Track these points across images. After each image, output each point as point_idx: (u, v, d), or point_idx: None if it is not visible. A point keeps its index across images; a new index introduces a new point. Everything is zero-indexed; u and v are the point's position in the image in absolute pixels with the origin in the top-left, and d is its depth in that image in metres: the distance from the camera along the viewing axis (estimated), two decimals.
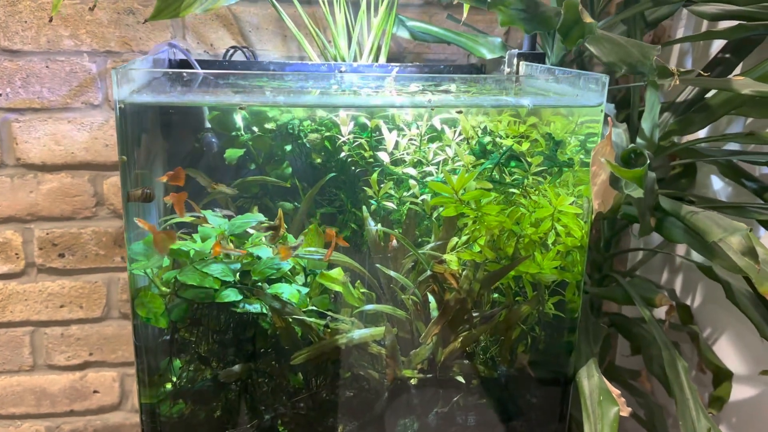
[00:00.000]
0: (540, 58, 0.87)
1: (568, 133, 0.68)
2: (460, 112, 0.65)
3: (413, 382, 0.70)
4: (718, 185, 1.02)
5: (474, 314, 0.70)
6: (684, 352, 1.07)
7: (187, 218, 0.65)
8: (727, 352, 1.01)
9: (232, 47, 1.03)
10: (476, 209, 0.66)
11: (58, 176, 1.06)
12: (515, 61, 0.87)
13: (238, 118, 0.68)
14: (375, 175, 0.70)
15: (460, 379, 0.71)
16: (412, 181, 0.71)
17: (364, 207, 0.72)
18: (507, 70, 0.90)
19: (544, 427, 0.73)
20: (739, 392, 0.98)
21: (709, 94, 0.89)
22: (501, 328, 0.70)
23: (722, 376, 0.99)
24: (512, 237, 0.68)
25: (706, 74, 0.65)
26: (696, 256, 0.97)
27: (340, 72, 0.96)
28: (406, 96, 0.71)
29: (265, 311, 0.66)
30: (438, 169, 0.70)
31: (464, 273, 0.68)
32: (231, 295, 0.65)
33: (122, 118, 0.59)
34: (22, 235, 1.07)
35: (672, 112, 0.92)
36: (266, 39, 1.06)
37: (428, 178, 0.70)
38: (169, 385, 0.66)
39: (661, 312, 1.05)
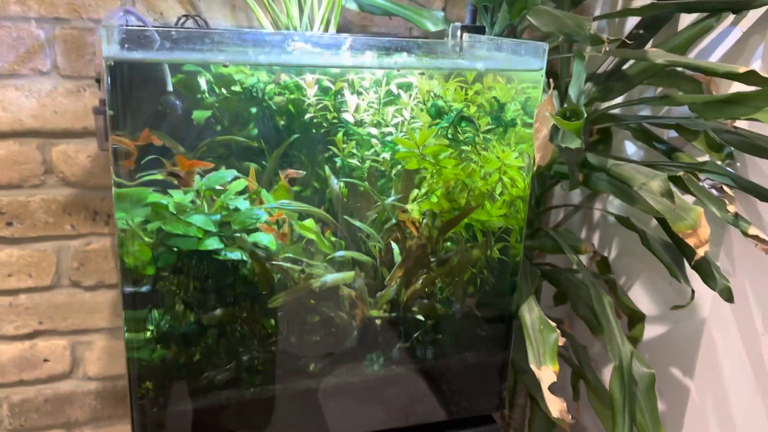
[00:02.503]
0: (481, 31, 0.96)
1: (511, 97, 0.76)
2: (422, 74, 0.73)
3: (378, 321, 0.78)
4: (632, 149, 1.15)
5: (431, 259, 0.78)
6: None
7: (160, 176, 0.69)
8: (640, 297, 1.14)
9: (184, 15, 1.05)
10: (435, 163, 0.74)
11: (5, 143, 1.06)
12: (459, 33, 0.95)
13: (203, 81, 0.73)
14: (340, 135, 0.77)
15: (420, 317, 0.79)
16: (374, 140, 0.78)
17: (326, 166, 0.78)
18: (451, 41, 0.98)
19: (492, 356, 0.83)
20: (651, 331, 1.12)
21: (626, 66, 1.01)
22: (455, 271, 0.79)
23: (636, 319, 1.12)
24: (464, 189, 0.77)
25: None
26: (616, 209, 1.10)
27: (294, 41, 1.01)
28: (375, 58, 0.77)
29: (245, 258, 0.72)
30: (396, 129, 0.78)
31: (424, 222, 0.76)
32: (213, 244, 0.70)
33: (112, 75, 0.63)
34: None
35: (594, 82, 1.03)
36: (215, 8, 1.09)
37: (388, 138, 0.78)
38: (150, 332, 0.71)
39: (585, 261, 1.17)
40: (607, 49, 0.71)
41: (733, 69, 0.72)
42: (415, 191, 0.76)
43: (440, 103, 0.76)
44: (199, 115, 0.75)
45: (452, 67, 0.73)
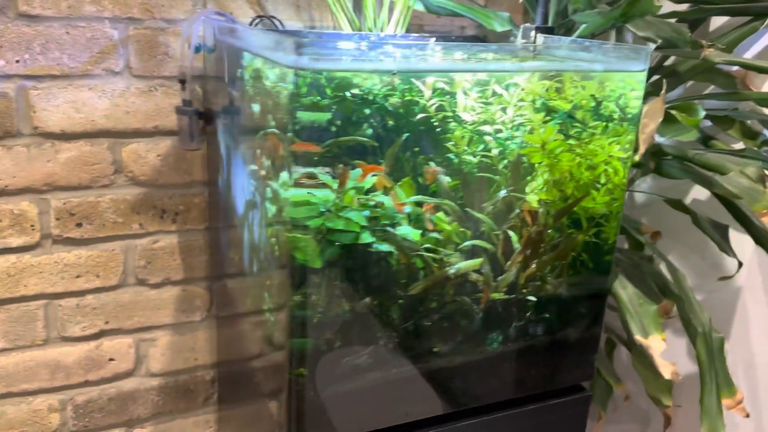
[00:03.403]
0: (551, 31, 1.03)
1: (612, 96, 0.84)
2: (552, 76, 0.80)
3: (499, 303, 0.85)
4: None
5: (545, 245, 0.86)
6: None
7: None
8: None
9: (258, 17, 1.08)
10: (554, 157, 0.82)
11: (76, 144, 1.05)
12: (532, 33, 1.02)
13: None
14: (458, 133, 0.83)
15: (532, 297, 0.87)
16: (488, 138, 0.84)
17: (432, 162, 0.83)
18: (521, 42, 1.05)
19: (587, 330, 0.91)
20: None
21: (668, 62, 1.11)
22: (562, 254, 0.87)
23: None
24: (573, 179, 0.84)
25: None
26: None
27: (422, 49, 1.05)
28: (513, 62, 0.82)
29: (392, 250, 0.77)
30: (505, 127, 0.84)
31: (540, 210, 0.83)
32: (367, 238, 0.75)
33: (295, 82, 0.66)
34: (37, 206, 1.05)
35: None
36: (281, 8, 1.12)
37: (499, 135, 0.84)
38: (315, 318, 0.75)
39: None
40: (707, 53, 0.80)
41: None
42: (533, 183, 0.83)
43: (552, 102, 0.83)
44: (320, 117, 0.79)
45: (575, 69, 0.80)
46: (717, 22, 1.16)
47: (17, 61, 0.98)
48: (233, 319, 1.08)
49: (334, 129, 0.72)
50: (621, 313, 0.90)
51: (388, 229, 0.76)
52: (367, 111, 0.73)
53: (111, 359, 1.18)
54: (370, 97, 0.73)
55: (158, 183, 1.12)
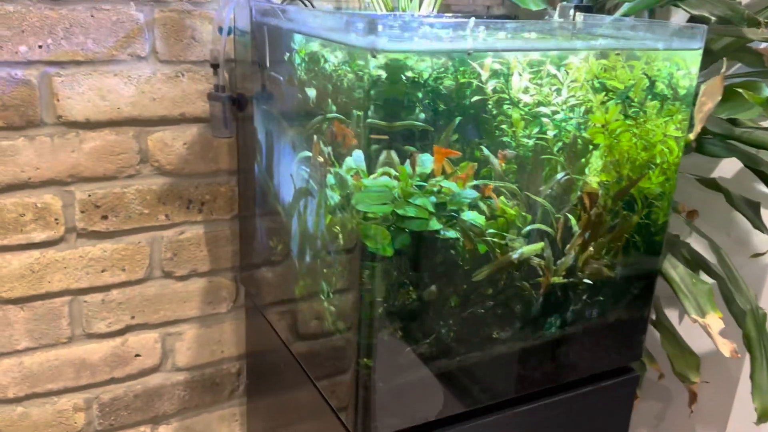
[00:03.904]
0: (589, 10, 1.02)
1: (663, 74, 0.84)
2: (618, 54, 0.78)
3: (558, 287, 0.84)
4: None
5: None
6: None
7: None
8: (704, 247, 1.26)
9: None
10: (613, 137, 0.81)
11: (101, 134, 1.01)
12: (572, 12, 1.00)
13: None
14: (516, 115, 0.81)
15: (588, 281, 0.86)
16: (545, 120, 0.82)
17: (482, 146, 0.81)
18: (558, 20, 1.03)
19: (638, 311, 0.92)
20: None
21: None
22: (618, 236, 0.86)
23: None
24: (630, 160, 0.84)
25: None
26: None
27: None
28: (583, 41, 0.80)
29: (458, 236, 0.75)
30: (561, 108, 0.83)
31: (600, 192, 0.83)
32: (435, 224, 0.73)
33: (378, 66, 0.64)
34: (61, 199, 1.01)
35: None
36: None
37: (557, 116, 0.83)
38: (381, 309, 0.73)
39: None
40: (765, 30, 0.79)
41: None
42: (593, 165, 0.82)
43: (609, 82, 0.82)
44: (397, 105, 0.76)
45: (640, 47, 0.79)
46: None
47: (40, 47, 0.93)
48: (269, 308, 1.05)
49: (405, 113, 0.69)
50: (674, 292, 0.90)
51: (455, 215, 0.74)
52: (430, 96, 0.71)
53: (137, 355, 1.14)
54: (439, 79, 0.71)
55: (184, 172, 1.08)
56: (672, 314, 1.35)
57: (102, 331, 1.10)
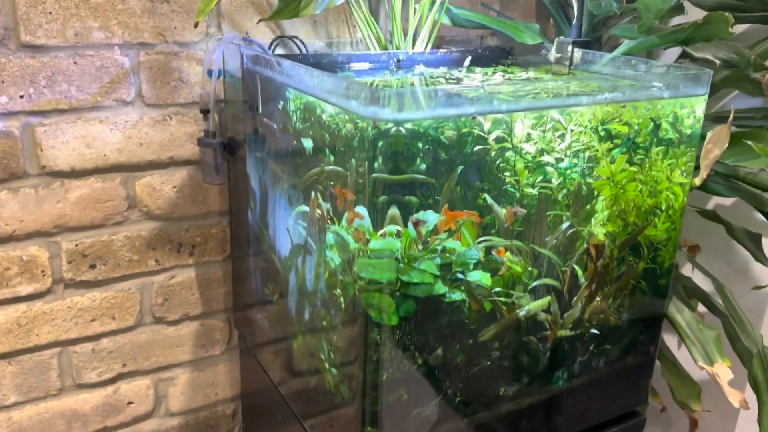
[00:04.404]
0: (587, 45, 1.00)
1: (667, 117, 0.82)
2: (624, 107, 0.76)
3: (565, 340, 0.82)
4: None
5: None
6: None
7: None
8: (701, 277, 1.25)
9: (279, 37, 1.01)
10: (621, 187, 0.79)
11: (87, 182, 0.97)
12: (569, 48, 0.98)
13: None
14: (520, 165, 0.79)
15: (596, 330, 0.85)
16: (549, 168, 0.80)
17: (486, 195, 0.79)
18: (555, 55, 1.01)
19: (643, 355, 0.90)
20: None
21: None
22: (625, 284, 0.84)
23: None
24: (636, 207, 0.82)
25: None
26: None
27: (398, 60, 1.00)
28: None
29: (464, 298, 0.73)
30: (564, 155, 0.81)
31: (606, 242, 0.81)
32: (441, 288, 0.71)
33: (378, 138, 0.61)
34: (48, 250, 0.97)
35: None
36: (298, 25, 1.05)
37: (561, 164, 0.80)
38: (385, 376, 0.71)
39: None
40: None
41: None
42: (598, 215, 0.80)
43: (614, 129, 0.80)
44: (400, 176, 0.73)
45: (646, 98, 0.77)
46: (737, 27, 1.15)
47: (21, 97, 0.90)
48: (265, 357, 1.02)
49: (406, 165, 0.67)
50: (681, 338, 0.88)
51: (460, 276, 0.72)
52: (432, 146, 0.68)
53: (129, 402, 1.11)
54: (440, 129, 0.69)
55: (174, 216, 1.05)
56: (670, 340, 1.34)
57: (93, 380, 1.07)
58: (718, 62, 0.79)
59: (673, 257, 0.87)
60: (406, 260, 0.69)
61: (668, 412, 1.36)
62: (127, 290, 1.05)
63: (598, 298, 0.82)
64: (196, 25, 0.77)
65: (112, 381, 1.09)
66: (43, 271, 0.98)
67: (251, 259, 1.02)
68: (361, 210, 0.68)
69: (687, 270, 1.21)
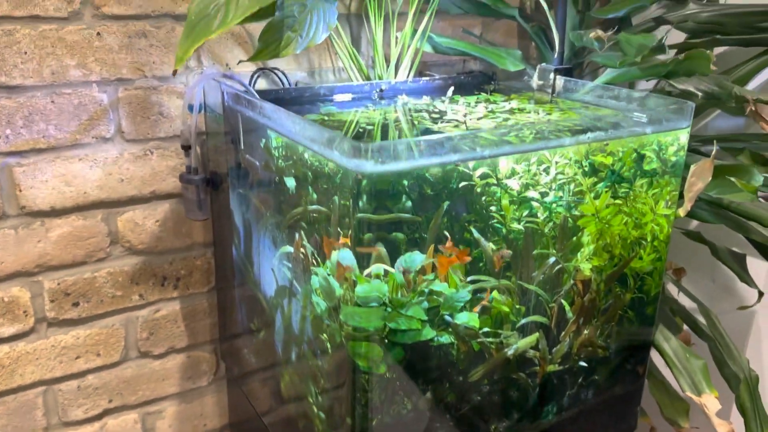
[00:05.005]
0: (569, 72, 1.00)
1: (656, 151, 0.82)
2: (606, 145, 0.76)
3: (554, 375, 0.82)
4: None
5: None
6: None
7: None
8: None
9: (260, 69, 1.00)
10: (606, 222, 0.79)
11: (68, 220, 0.96)
12: (551, 76, 0.98)
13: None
14: (506, 201, 0.78)
15: (584, 363, 0.85)
16: (535, 203, 0.80)
17: (472, 227, 0.79)
18: (538, 82, 1.01)
19: (632, 383, 0.90)
20: None
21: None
22: (611, 316, 0.84)
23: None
24: (621, 240, 0.82)
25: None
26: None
27: (381, 90, 1.00)
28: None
29: (452, 341, 0.73)
30: (550, 189, 0.80)
31: (593, 277, 0.81)
32: (429, 333, 0.70)
33: (360, 187, 0.60)
34: (29, 290, 0.96)
35: None
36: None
37: (546, 199, 0.80)
38: (374, 422, 0.70)
39: None
40: (752, 108, 0.78)
41: None
42: (584, 250, 0.80)
43: (597, 161, 0.80)
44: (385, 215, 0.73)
45: (629, 135, 0.77)
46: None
47: None
48: (252, 392, 1.02)
49: (391, 204, 0.66)
50: (668, 366, 0.89)
51: (448, 318, 0.72)
52: (417, 184, 0.68)
53: None
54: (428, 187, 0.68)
55: (157, 249, 1.04)
56: (657, 356, 1.35)
57: (79, 417, 1.06)
58: (700, 94, 0.79)
59: (659, 285, 0.87)
60: (392, 306, 0.68)
61: (657, 430, 1.37)
62: (112, 326, 1.04)
63: (585, 332, 0.82)
64: (174, 73, 0.76)
65: (98, 417, 1.07)
66: (25, 312, 0.96)
67: (236, 291, 1.01)
68: (346, 255, 0.67)
69: (673, 289, 1.22)
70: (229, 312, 1.06)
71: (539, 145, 0.71)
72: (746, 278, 1.05)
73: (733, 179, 0.75)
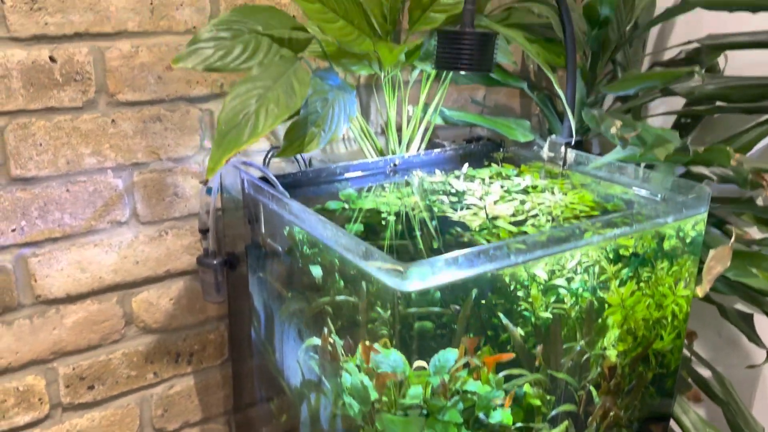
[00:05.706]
0: (578, 145, 1.01)
1: (674, 235, 0.83)
2: (631, 238, 0.77)
3: None
4: None
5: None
6: None
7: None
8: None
9: (274, 147, 1.00)
10: (629, 308, 0.80)
11: (83, 305, 0.95)
12: (562, 149, 0.99)
13: None
14: (535, 291, 0.79)
15: None
16: (562, 290, 0.81)
17: (500, 313, 0.79)
18: (548, 154, 1.02)
19: None
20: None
21: None
22: (635, 396, 0.85)
23: None
24: (644, 322, 0.83)
25: None
26: None
27: (394, 165, 1.00)
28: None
29: None
30: (581, 273, 0.81)
31: (617, 361, 0.82)
32: None
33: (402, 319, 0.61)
34: (45, 377, 0.95)
35: None
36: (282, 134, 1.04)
37: (572, 284, 0.81)
38: None
39: None
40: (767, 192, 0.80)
41: None
42: (609, 336, 0.81)
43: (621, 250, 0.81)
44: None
45: (652, 227, 0.78)
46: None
47: (13, 230, 0.87)
48: None
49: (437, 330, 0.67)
50: None
51: (483, 417, 0.72)
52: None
53: None
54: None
55: (171, 327, 1.03)
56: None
57: None
58: (715, 178, 0.81)
59: (678, 360, 0.89)
60: (429, 411, 0.69)
61: None
62: (126, 406, 1.03)
63: (611, 414, 0.83)
64: (205, 183, 0.75)
65: None
66: (40, 399, 0.95)
67: (254, 367, 1.00)
68: (385, 360, 0.67)
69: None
70: (245, 382, 1.06)
71: (569, 246, 0.72)
72: (754, 338, 1.07)
73: (754, 270, 0.77)
